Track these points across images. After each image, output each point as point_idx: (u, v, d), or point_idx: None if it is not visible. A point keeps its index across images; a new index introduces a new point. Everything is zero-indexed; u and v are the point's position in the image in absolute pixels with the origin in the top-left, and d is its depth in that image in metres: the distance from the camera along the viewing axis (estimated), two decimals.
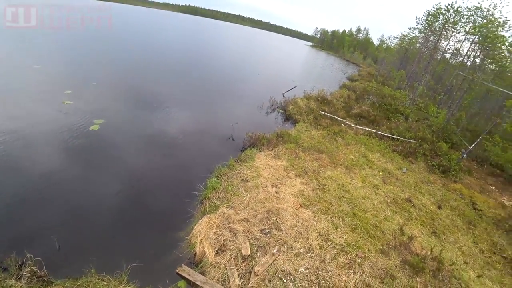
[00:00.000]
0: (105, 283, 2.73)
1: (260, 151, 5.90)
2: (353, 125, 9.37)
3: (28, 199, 3.78)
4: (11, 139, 4.92)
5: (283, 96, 11.19)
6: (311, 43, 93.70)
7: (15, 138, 4.96)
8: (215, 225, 3.71)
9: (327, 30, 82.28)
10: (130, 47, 16.56)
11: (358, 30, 67.14)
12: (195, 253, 3.37)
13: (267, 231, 3.83)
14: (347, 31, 69.59)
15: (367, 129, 9.23)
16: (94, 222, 3.64)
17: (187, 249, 3.45)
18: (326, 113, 9.93)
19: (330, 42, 72.20)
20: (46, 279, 2.73)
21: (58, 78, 8.50)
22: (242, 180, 4.73)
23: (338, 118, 9.69)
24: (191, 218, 3.92)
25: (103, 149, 5.19)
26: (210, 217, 3.82)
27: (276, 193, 4.61)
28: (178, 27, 43.35)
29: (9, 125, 5.33)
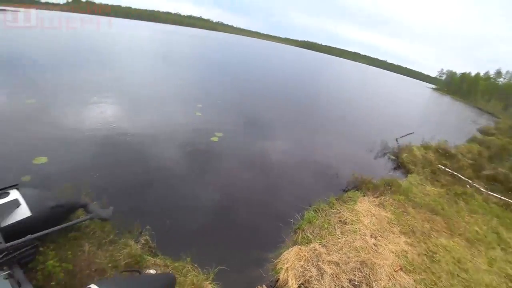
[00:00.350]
0: (195, 273, 2.95)
1: (364, 196, 5.50)
2: (482, 189, 7.76)
3: (151, 184, 4.58)
4: (148, 134, 6.22)
5: (397, 142, 10.23)
6: (434, 86, 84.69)
7: (152, 138, 6.16)
8: (303, 258, 3.60)
9: (455, 72, 72.96)
10: (251, 76, 18.63)
11: (498, 73, 56.78)
12: (278, 278, 3.33)
13: (356, 283, 3.48)
14: (482, 74, 59.84)
15: (503, 198, 7.51)
16: (195, 218, 4.07)
17: (271, 272, 3.45)
18: (447, 169, 8.55)
19: (458, 86, 63.03)
20: (153, 251, 3.20)
21: (194, 93, 10.60)
22: (340, 221, 4.48)
23: (463, 178, 8.20)
24: (281, 243, 3.92)
25: (217, 158, 5.88)
26: (300, 249, 3.72)
27: (374, 245, 4.17)
28: (296, 61, 46.23)
29: (150, 122, 6.89)
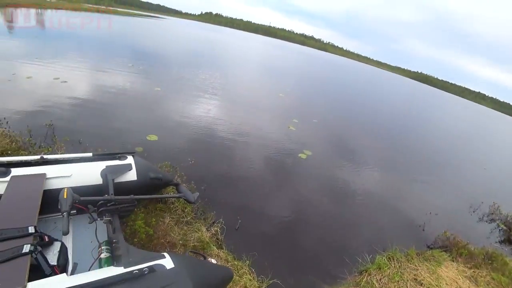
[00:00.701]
0: (250, 277, 3.02)
1: (453, 261, 4.72)
2: None
3: (233, 183, 4.91)
4: (242, 137, 6.71)
5: None
6: None
7: (245, 140, 6.60)
8: None
9: None
10: (354, 100, 18.03)
11: None
12: None
13: None
14: None
15: None
16: (264, 225, 4.16)
17: None
18: None
19: None
20: (219, 243, 3.42)
21: (293, 108, 10.84)
22: (416, 280, 3.94)
23: None
24: (342, 280, 3.67)
25: (300, 175, 5.88)
26: None
27: None
28: (405, 93, 42.72)
29: (246, 126, 7.35)
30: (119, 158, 2.98)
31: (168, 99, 8.54)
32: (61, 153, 2.86)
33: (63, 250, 2.22)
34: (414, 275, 4.03)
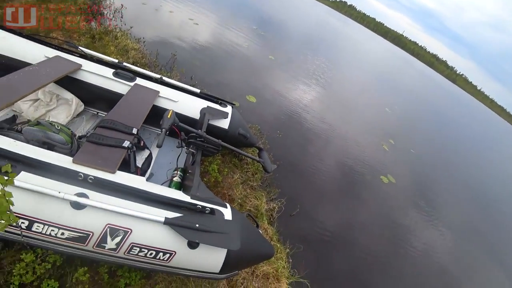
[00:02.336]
0: (283, 265, 2.96)
1: None
2: None
3: (306, 173, 4.80)
4: (328, 133, 6.45)
5: None
6: None
7: (331, 139, 6.33)
8: None
9: None
10: (468, 146, 15.38)
11: None
12: None
13: None
14: None
15: None
16: (315, 224, 3.99)
17: None
18: None
19: None
20: (271, 219, 3.42)
21: (394, 128, 9.82)
22: None
23: None
24: None
25: (370, 195, 5.40)
26: None
27: None
28: None
29: (336, 125, 6.95)
30: (220, 104, 3.14)
31: (276, 70, 8.69)
32: (175, 80, 3.13)
33: (149, 159, 2.48)
34: None
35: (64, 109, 2.84)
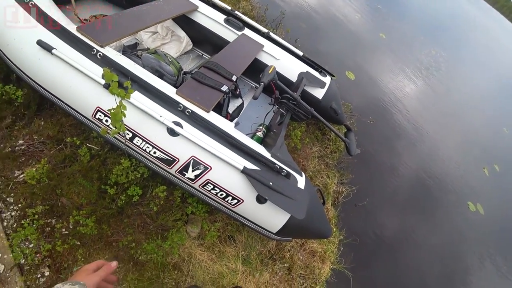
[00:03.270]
0: (334, 250, 2.93)
1: None
2: None
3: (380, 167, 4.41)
4: (419, 141, 5.72)
5: None
6: None
7: (422, 145, 5.70)
8: None
9: None
10: None
11: None
12: None
13: None
14: None
15: None
16: (377, 225, 3.74)
17: None
18: None
19: None
20: (335, 202, 3.36)
21: (506, 151, 8.04)
22: None
23: None
24: None
25: (448, 218, 4.77)
26: None
27: None
28: None
29: (431, 137, 6.04)
30: (320, 72, 3.00)
31: (384, 51, 7.83)
32: (280, 38, 3.06)
33: (240, 107, 2.55)
34: None
35: (175, 45, 3.07)
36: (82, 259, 2.00)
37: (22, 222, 1.90)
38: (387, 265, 3.53)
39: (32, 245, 1.91)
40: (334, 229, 3.01)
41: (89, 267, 0.83)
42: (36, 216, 1.93)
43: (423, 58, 9.56)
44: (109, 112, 1.53)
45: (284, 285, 2.49)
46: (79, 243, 2.01)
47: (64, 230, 2.05)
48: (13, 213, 2.04)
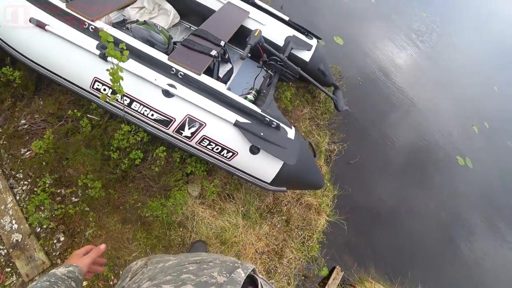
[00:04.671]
0: (329, 203, 3.11)
1: None
2: None
3: (370, 127, 4.56)
4: (409, 101, 5.81)
5: None
6: None
7: (413, 106, 5.77)
8: None
9: None
10: None
11: None
12: None
13: None
14: None
15: None
16: (369, 179, 3.93)
17: None
18: None
19: None
20: (328, 160, 3.49)
21: (495, 110, 8.10)
22: None
23: None
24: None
25: (438, 173, 4.94)
26: None
27: None
28: None
29: (420, 99, 6.15)
30: (306, 35, 3.08)
31: (375, 16, 7.61)
32: (266, 5, 3.11)
33: (230, 72, 2.65)
34: None
35: (163, 19, 3.12)
36: (94, 223, 2.17)
37: (35, 189, 2.04)
38: (379, 217, 3.72)
39: (45, 213, 2.06)
40: (328, 184, 3.19)
41: (79, 252, 0.92)
42: (47, 185, 2.07)
43: (415, 24, 9.46)
44: (108, 73, 1.63)
45: (283, 236, 2.69)
46: (88, 209, 2.17)
47: (74, 197, 2.20)
48: (24, 188, 2.18)
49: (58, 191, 2.19)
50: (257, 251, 2.53)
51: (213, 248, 2.39)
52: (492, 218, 5.07)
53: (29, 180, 2.17)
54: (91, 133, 2.17)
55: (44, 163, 2.10)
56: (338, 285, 2.88)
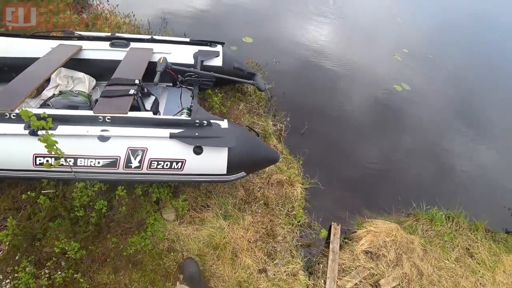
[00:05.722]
0: (296, 173, 3.35)
1: None
2: None
3: (314, 93, 4.93)
4: (335, 55, 6.30)
5: None
6: None
7: (339, 56, 6.30)
8: (393, 238, 3.13)
9: None
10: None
11: None
12: (355, 231, 3.23)
13: None
14: None
15: None
16: (326, 137, 4.26)
17: (354, 222, 3.35)
18: None
19: None
20: (280, 138, 3.77)
21: (407, 37, 8.94)
22: (468, 250, 3.47)
23: None
24: (384, 212, 3.59)
25: (381, 104, 5.43)
26: (398, 229, 3.26)
27: None
28: None
29: (344, 45, 6.70)
30: (210, 45, 3.42)
31: (274, 8, 8.30)
32: (168, 36, 3.44)
33: (156, 103, 2.88)
34: (469, 245, 3.49)
35: (80, 87, 3.27)
36: (86, 284, 2.19)
37: (15, 275, 2.06)
38: (345, 161, 4.04)
39: None
40: (289, 157, 3.48)
41: None
42: (27, 269, 2.10)
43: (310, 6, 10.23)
44: (40, 141, 1.78)
45: (268, 217, 2.89)
46: (77, 275, 2.20)
47: (59, 271, 2.23)
48: (7, 286, 2.19)
49: (40, 271, 2.20)
50: (249, 241, 2.69)
51: (209, 256, 2.52)
52: (455, 119, 5.70)
53: (10, 278, 2.19)
54: (53, 205, 2.27)
55: (17, 250, 2.14)
56: (340, 238, 3.09)
